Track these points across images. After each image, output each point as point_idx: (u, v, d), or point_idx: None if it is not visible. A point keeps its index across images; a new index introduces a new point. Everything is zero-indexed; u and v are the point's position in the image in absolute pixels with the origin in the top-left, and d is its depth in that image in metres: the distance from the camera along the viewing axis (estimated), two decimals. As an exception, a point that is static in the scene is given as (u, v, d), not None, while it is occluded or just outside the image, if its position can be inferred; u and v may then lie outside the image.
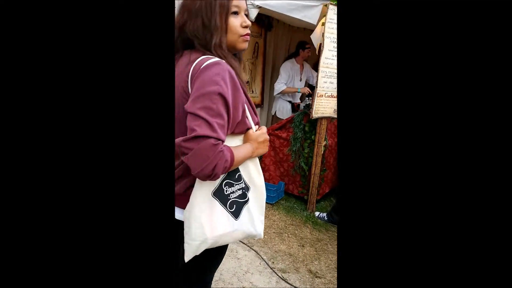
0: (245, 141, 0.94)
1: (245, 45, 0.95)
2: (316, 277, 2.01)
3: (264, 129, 0.98)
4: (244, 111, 0.91)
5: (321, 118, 2.60)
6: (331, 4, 2.35)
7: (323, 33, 2.40)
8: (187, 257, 0.89)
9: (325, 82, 2.47)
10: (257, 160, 1.00)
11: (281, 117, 3.43)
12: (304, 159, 2.84)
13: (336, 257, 2.23)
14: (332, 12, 2.36)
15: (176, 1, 2.69)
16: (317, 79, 2.47)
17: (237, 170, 0.94)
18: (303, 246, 2.35)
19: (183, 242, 0.94)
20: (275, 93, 3.41)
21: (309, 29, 4.23)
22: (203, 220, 0.87)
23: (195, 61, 0.84)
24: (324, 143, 2.70)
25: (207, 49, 0.87)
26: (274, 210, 2.84)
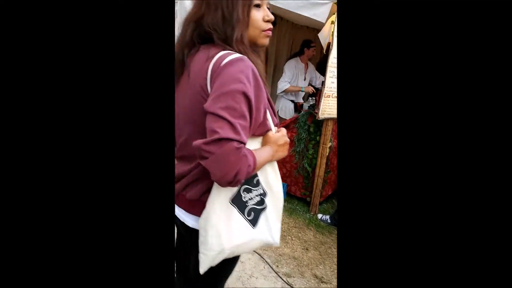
0: (264, 143, 0.88)
1: (266, 41, 0.88)
2: (322, 282, 1.96)
3: (284, 131, 0.91)
4: (265, 112, 0.84)
5: (328, 119, 2.54)
6: (341, 2, 2.29)
7: (332, 32, 2.34)
8: (202, 269, 0.82)
9: (333, 83, 2.41)
10: (275, 164, 0.94)
11: (283, 117, 3.37)
12: (308, 160, 2.79)
13: (341, 262, 2.17)
14: (342, 11, 2.29)
15: (176, 1, 2.57)
16: (324, 79, 2.41)
17: (256, 175, 0.88)
18: (307, 249, 2.30)
19: (196, 251, 0.88)
20: (278, 92, 3.35)
21: (311, 27, 4.19)
22: (221, 229, 0.81)
23: (214, 56, 0.77)
24: (329, 144, 2.65)
25: (227, 44, 0.80)
26: (276, 212, 2.78)
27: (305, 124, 2.77)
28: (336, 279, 1.97)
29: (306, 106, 3.19)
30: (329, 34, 2.39)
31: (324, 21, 2.42)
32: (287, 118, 3.16)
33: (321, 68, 3.71)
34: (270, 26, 0.87)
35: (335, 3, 2.31)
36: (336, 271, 2.06)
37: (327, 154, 2.67)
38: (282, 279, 1.92)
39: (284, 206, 2.88)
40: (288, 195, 3.03)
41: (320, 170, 2.69)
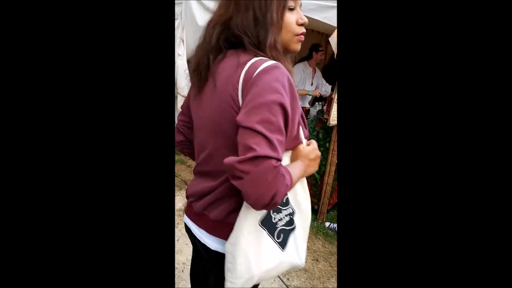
0: (294, 157, 0.80)
1: (298, 46, 0.81)
2: (335, 296, 1.88)
3: (314, 144, 0.83)
4: (299, 123, 0.77)
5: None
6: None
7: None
8: None
9: (344, 88, 2.33)
10: (304, 180, 0.86)
11: (290, 122, 3.28)
12: (317, 167, 2.71)
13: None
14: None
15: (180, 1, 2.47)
16: (336, 84, 2.34)
17: None
18: (317, 260, 2.22)
19: (218, 274, 0.80)
20: (284, 96, 3.27)
21: (317, 31, 4.11)
22: (250, 254, 0.73)
23: (246, 63, 0.70)
24: (339, 151, 2.57)
25: (259, 49, 0.72)
26: (283, 220, 2.70)
27: (313, 130, 2.70)
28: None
29: (313, 111, 3.12)
30: (340, 38, 2.32)
31: (335, 25, 2.35)
32: (294, 123, 3.08)
33: (325, 74, 3.64)
34: (304, 30, 0.79)
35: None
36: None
37: (336, 161, 2.59)
38: (294, 293, 1.84)
39: (291, 214, 2.81)
40: (295, 203, 2.94)
41: (329, 178, 2.62)
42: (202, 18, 2.75)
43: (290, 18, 0.76)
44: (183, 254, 2.08)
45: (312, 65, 3.30)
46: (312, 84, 3.35)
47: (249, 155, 0.61)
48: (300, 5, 0.80)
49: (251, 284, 0.74)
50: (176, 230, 2.32)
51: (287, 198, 0.81)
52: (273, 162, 0.61)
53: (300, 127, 0.79)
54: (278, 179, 0.62)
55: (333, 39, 2.42)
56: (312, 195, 2.83)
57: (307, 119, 2.86)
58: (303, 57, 3.41)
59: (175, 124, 1.02)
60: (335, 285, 1.98)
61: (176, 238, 2.22)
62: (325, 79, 3.49)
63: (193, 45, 2.95)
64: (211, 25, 0.77)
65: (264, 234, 0.75)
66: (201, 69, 0.77)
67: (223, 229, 0.79)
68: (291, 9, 0.76)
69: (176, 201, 2.74)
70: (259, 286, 0.93)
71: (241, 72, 0.69)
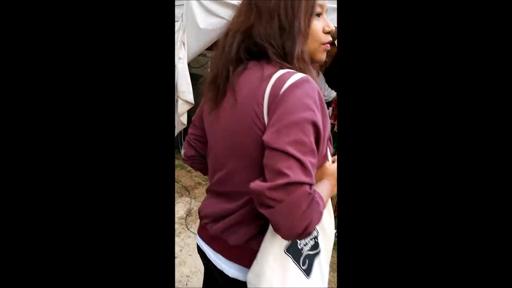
0: (320, 176, 0.74)
1: (324, 56, 0.74)
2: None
3: None
4: (329, 140, 0.70)
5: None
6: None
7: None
8: None
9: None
10: (329, 201, 0.80)
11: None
12: (321, 173, 2.65)
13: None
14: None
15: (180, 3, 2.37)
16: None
17: None
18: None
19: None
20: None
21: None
22: (275, 284, 0.66)
23: (272, 77, 0.63)
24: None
25: (285, 61, 0.66)
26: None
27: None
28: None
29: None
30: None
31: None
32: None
33: (327, 77, 3.58)
34: (330, 38, 0.73)
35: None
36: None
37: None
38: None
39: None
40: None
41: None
42: (204, 20, 2.68)
43: (317, 25, 0.70)
44: (187, 265, 2.01)
45: (316, 67, 3.23)
46: (315, 88, 3.28)
47: (281, 181, 0.54)
48: (326, 11, 0.74)
49: (276, 317, 0.68)
50: (178, 239, 2.25)
51: (312, 221, 0.75)
52: (307, 188, 0.55)
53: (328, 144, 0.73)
54: (313, 206, 0.56)
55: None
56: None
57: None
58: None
59: (186, 139, 0.95)
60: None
61: (178, 248, 2.15)
62: (327, 83, 3.43)
63: (195, 48, 2.88)
64: (230, 33, 0.70)
65: (290, 261, 0.69)
66: (219, 81, 0.71)
67: (243, 254, 0.72)
68: (318, 15, 0.70)
69: (177, 208, 2.66)
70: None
71: (266, 86, 0.63)
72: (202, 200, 2.79)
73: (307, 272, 0.73)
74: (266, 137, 0.59)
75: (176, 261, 2.03)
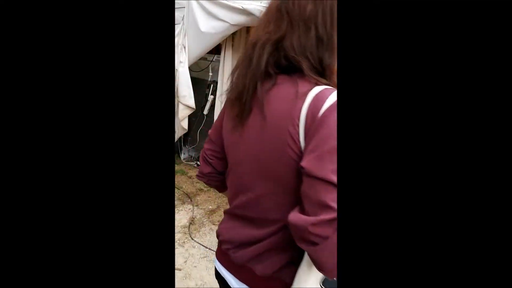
0: None
1: None
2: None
3: None
4: None
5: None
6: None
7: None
8: None
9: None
10: None
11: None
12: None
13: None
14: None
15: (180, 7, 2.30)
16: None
17: None
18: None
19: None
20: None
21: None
22: (311, 322, 0.60)
23: (308, 94, 0.57)
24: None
25: (322, 76, 0.60)
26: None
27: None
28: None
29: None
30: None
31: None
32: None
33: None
34: None
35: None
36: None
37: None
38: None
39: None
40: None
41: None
42: (205, 23, 2.62)
43: None
44: (192, 278, 1.94)
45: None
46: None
47: (327, 216, 0.48)
48: None
49: None
50: (182, 250, 2.18)
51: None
52: None
53: None
54: None
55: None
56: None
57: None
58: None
59: (201, 154, 0.89)
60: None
61: (183, 260, 2.08)
62: None
63: (196, 52, 2.81)
64: (258, 44, 0.63)
65: (325, 295, 0.63)
66: (245, 98, 0.64)
67: (272, 286, 0.66)
68: None
69: (179, 216, 2.60)
70: None
71: (302, 104, 0.57)
72: (205, 207, 2.72)
73: (341, 304, 0.67)
74: (305, 164, 0.53)
75: (181, 274, 1.97)
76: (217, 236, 0.83)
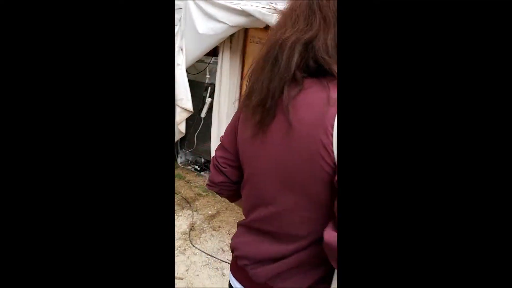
0: None
1: None
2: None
3: None
4: None
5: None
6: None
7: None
8: None
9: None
10: None
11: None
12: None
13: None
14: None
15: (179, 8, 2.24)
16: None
17: None
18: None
19: None
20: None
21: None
22: None
23: None
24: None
25: None
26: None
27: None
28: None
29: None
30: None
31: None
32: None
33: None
34: None
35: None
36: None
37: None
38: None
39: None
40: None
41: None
42: (203, 25, 2.57)
43: None
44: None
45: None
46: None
47: None
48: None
49: None
50: (183, 257, 2.12)
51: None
52: None
53: None
54: None
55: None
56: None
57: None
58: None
59: (212, 162, 0.83)
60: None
61: (184, 268, 2.02)
62: None
63: (193, 54, 2.76)
64: (287, 44, 0.57)
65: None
66: (270, 103, 0.59)
67: (297, 306, 0.62)
68: None
69: (179, 222, 2.53)
70: None
71: (335, 112, 0.52)
72: (204, 213, 2.66)
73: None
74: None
75: (182, 283, 1.91)
76: (232, 251, 0.78)
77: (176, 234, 2.35)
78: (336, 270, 0.57)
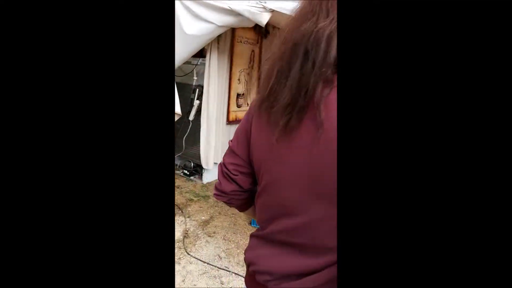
0: None
1: None
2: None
3: None
4: None
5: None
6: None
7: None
8: None
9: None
10: None
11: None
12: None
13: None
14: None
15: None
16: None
17: None
18: None
19: None
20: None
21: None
22: None
23: None
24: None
25: None
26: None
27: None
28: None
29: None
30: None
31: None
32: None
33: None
34: None
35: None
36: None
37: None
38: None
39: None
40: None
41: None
42: (190, 25, 2.49)
43: None
44: (194, 298, 1.81)
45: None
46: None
47: None
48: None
49: None
50: (179, 267, 2.04)
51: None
52: None
53: None
54: None
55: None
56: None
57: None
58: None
59: (221, 170, 0.77)
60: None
61: (180, 278, 1.94)
62: None
63: (181, 56, 2.68)
64: (323, 35, 0.51)
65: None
66: (300, 103, 0.54)
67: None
68: None
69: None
70: None
71: None
72: (197, 219, 2.57)
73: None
74: None
75: (181, 293, 1.83)
76: (248, 265, 0.72)
77: (169, 243, 2.27)
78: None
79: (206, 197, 3.04)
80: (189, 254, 2.15)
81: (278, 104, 0.56)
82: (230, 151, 0.76)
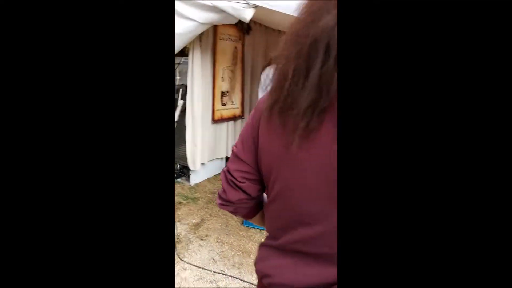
0: None
1: None
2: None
3: None
4: None
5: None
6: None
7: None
8: None
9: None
10: None
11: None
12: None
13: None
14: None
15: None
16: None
17: None
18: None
19: None
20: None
21: (284, 31, 3.96)
22: None
23: None
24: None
25: None
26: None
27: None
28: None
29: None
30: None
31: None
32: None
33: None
34: None
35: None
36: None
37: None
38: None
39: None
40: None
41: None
42: (181, 26, 2.40)
43: None
44: (191, 305, 1.76)
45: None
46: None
47: None
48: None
49: None
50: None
51: None
52: None
53: None
54: None
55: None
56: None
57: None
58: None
59: (225, 177, 0.72)
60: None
61: (176, 285, 1.88)
62: None
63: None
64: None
65: None
66: (322, 104, 0.50)
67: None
68: None
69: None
70: None
71: None
72: (188, 222, 2.51)
73: None
74: None
75: (177, 301, 1.77)
76: (261, 278, 0.68)
77: (161, 249, 2.20)
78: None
79: (195, 199, 2.98)
80: (182, 260, 2.09)
81: (297, 106, 0.52)
82: (235, 157, 0.71)
